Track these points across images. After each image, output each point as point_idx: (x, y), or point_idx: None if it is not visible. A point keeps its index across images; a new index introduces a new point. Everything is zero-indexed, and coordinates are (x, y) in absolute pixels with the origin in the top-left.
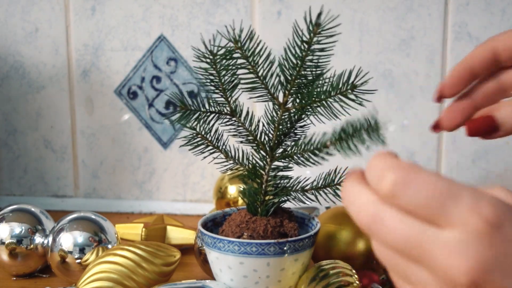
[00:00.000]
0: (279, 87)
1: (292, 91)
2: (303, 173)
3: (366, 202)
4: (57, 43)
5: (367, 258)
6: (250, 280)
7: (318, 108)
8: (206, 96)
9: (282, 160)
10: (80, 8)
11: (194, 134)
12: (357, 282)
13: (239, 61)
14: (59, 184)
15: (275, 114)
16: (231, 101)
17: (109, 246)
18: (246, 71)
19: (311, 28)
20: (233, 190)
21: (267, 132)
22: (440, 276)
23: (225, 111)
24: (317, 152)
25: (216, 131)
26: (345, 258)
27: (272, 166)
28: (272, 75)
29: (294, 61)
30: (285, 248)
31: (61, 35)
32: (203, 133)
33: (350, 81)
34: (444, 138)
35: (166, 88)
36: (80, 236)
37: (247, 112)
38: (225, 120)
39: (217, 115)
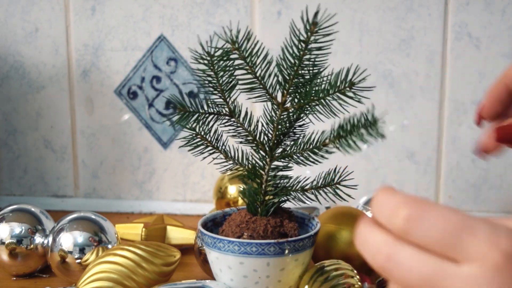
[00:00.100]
0: (278, 87)
1: (290, 90)
2: (303, 172)
3: (379, 243)
4: (57, 43)
5: None
6: (250, 280)
7: (317, 107)
8: (205, 97)
9: (282, 160)
10: (80, 8)
11: (194, 135)
12: (359, 283)
13: (237, 61)
14: (59, 184)
15: (274, 114)
16: (230, 102)
17: (109, 246)
18: (244, 71)
19: (308, 27)
20: (233, 190)
21: (266, 132)
22: None
23: (224, 111)
24: (316, 150)
25: (215, 131)
26: (345, 258)
27: (272, 166)
28: (270, 75)
29: (292, 60)
30: (285, 248)
31: (61, 35)
32: (202, 133)
33: (348, 79)
34: (444, 138)
35: (166, 88)
36: (80, 236)
37: (246, 113)
38: (224, 120)
39: (216, 116)
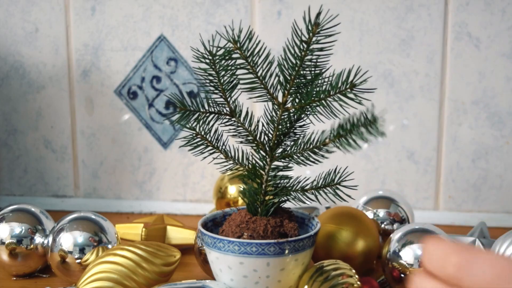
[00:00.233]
0: (279, 87)
1: (291, 91)
2: (303, 173)
3: None
4: (57, 43)
5: (367, 258)
6: (250, 280)
7: (318, 108)
8: (205, 97)
9: (282, 160)
10: (80, 8)
11: (194, 135)
12: (358, 282)
13: (238, 61)
14: (59, 184)
15: (274, 114)
16: (231, 101)
17: (109, 246)
18: (246, 71)
19: (310, 27)
20: (233, 190)
21: (267, 132)
22: None
23: (225, 111)
24: (316, 150)
25: (215, 131)
26: (345, 258)
27: (272, 166)
28: (271, 75)
29: (293, 61)
30: (285, 248)
31: (61, 35)
32: (202, 133)
33: (350, 80)
34: (444, 138)
35: (166, 88)
36: (80, 236)
37: (247, 112)
38: (225, 120)
39: (217, 115)
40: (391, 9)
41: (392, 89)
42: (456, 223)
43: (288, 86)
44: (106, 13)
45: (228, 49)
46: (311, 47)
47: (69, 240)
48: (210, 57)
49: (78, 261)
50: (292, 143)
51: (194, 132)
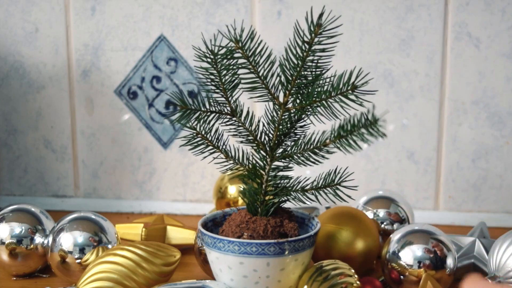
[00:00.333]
0: (280, 87)
1: (292, 91)
2: (303, 173)
3: None
4: (57, 43)
5: (367, 258)
6: (250, 280)
7: (318, 108)
8: (206, 96)
9: (282, 160)
10: (80, 8)
11: (194, 134)
12: (358, 282)
13: (240, 61)
14: (59, 184)
15: (275, 114)
16: (232, 101)
17: (109, 246)
18: (247, 71)
19: (312, 28)
20: (233, 190)
21: (267, 132)
22: None
23: (226, 111)
24: (317, 150)
25: (216, 131)
26: (345, 258)
27: (272, 166)
28: (272, 75)
29: (295, 61)
30: (285, 248)
31: (61, 35)
32: (203, 133)
33: (351, 82)
34: (444, 138)
35: (166, 88)
36: (80, 236)
37: (248, 112)
38: (225, 120)
39: (217, 115)
40: (391, 9)
41: (392, 89)
42: (456, 223)
43: (289, 86)
44: (106, 13)
45: (229, 48)
46: (313, 47)
47: (69, 240)
48: (211, 56)
49: (78, 261)
50: (292, 143)
51: (194, 131)
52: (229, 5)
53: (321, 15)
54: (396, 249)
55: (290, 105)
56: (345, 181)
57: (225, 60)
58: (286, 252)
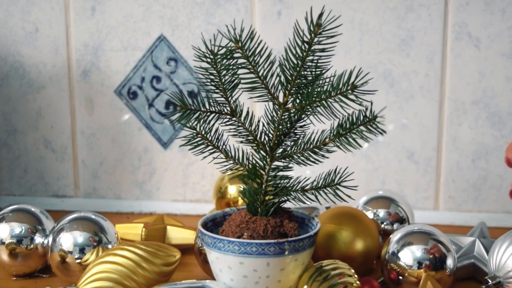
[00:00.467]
0: (280, 87)
1: (292, 91)
2: (303, 173)
3: None
4: (57, 43)
5: (367, 258)
6: (250, 280)
7: (318, 108)
8: (206, 96)
9: (282, 160)
10: (80, 8)
11: (194, 134)
12: (357, 282)
13: (240, 61)
14: (59, 184)
15: (275, 114)
16: (231, 101)
17: (109, 246)
18: (247, 71)
19: (312, 28)
20: (233, 190)
21: (267, 132)
22: None
23: (225, 111)
24: (317, 150)
25: (216, 131)
26: (345, 258)
27: (272, 166)
28: (272, 75)
29: (295, 61)
30: (285, 248)
31: (61, 35)
32: (203, 133)
33: (351, 82)
34: (444, 138)
35: (166, 88)
36: (80, 236)
37: (247, 112)
38: (225, 120)
39: (217, 115)
40: (391, 9)
41: (392, 89)
42: (456, 223)
43: (289, 86)
44: (106, 13)
45: (229, 48)
46: (312, 47)
47: (69, 240)
48: (211, 56)
49: (78, 261)
50: (292, 143)
51: (194, 131)
52: (229, 5)
53: (320, 15)
54: (395, 249)
55: (290, 105)
56: (345, 181)
57: (224, 60)
58: (286, 252)
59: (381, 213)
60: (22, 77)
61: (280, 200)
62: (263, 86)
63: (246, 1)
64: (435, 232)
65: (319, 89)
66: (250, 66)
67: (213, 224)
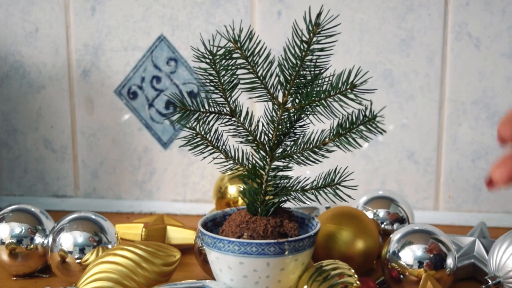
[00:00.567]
0: (279, 87)
1: (291, 91)
2: (303, 173)
3: None
4: (57, 43)
5: (367, 258)
6: (250, 280)
7: (318, 108)
8: (205, 96)
9: (282, 160)
10: (80, 8)
11: (194, 134)
12: (357, 282)
13: (239, 61)
14: (59, 184)
15: (274, 114)
16: (231, 101)
17: (109, 246)
18: (246, 71)
19: (310, 28)
20: (233, 190)
21: (267, 132)
22: None
23: (225, 111)
24: (316, 150)
25: (216, 131)
26: (345, 258)
27: (272, 166)
28: (271, 75)
29: (294, 61)
30: (285, 248)
31: (61, 35)
32: (202, 133)
33: (350, 81)
34: (444, 138)
35: (166, 88)
36: (80, 236)
37: (247, 112)
38: (225, 120)
39: (217, 115)
40: (391, 9)
41: (392, 89)
42: (456, 223)
43: (289, 86)
44: (106, 13)
45: (228, 48)
46: (311, 47)
47: (69, 240)
48: (210, 57)
49: (78, 261)
50: (292, 143)
51: (194, 132)
52: (229, 5)
53: (319, 14)
54: (396, 249)
55: (289, 105)
56: (345, 181)
57: (224, 61)
58: (286, 252)
59: (381, 213)
60: (22, 77)
61: (280, 200)
62: (262, 86)
63: (246, 1)
64: (435, 231)
65: (318, 88)
66: (249, 66)
67: (213, 224)
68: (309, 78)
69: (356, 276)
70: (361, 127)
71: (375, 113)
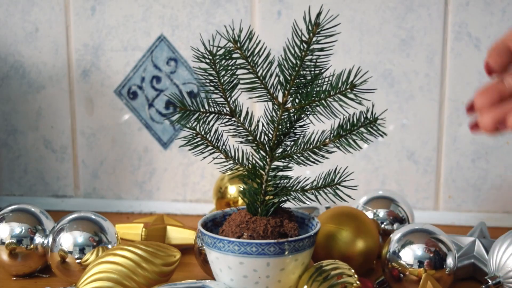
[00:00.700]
0: (279, 87)
1: (291, 91)
2: (303, 173)
3: None
4: (57, 43)
5: (367, 258)
6: (250, 280)
7: (318, 108)
8: (205, 96)
9: (282, 160)
10: (80, 8)
11: (194, 134)
12: (357, 282)
13: (239, 61)
14: (59, 184)
15: (274, 114)
16: (231, 101)
17: (109, 246)
18: (246, 71)
19: (310, 28)
20: (233, 190)
21: (267, 132)
22: None
23: (225, 111)
24: (316, 150)
25: (216, 131)
26: (345, 258)
27: (272, 166)
28: (271, 75)
29: (294, 61)
30: (285, 248)
31: (61, 35)
32: (202, 133)
33: (350, 81)
34: (444, 138)
35: (166, 88)
36: (80, 236)
37: (247, 112)
38: (225, 120)
39: (217, 115)
40: (391, 9)
41: (392, 89)
42: (456, 223)
43: (288, 86)
44: (106, 13)
45: (228, 49)
46: (311, 47)
47: (69, 240)
48: (210, 57)
49: (78, 261)
50: (292, 143)
51: (194, 132)
52: (229, 5)
53: (319, 14)
54: (396, 248)
55: (289, 105)
56: (345, 181)
57: (223, 61)
58: (286, 252)
59: (381, 213)
60: (22, 77)
61: (280, 200)
62: (262, 86)
63: (246, 1)
64: (435, 231)
65: (318, 88)
66: (249, 66)
67: (213, 224)
68: (309, 78)
69: (356, 276)
70: (362, 129)
71: (377, 116)
